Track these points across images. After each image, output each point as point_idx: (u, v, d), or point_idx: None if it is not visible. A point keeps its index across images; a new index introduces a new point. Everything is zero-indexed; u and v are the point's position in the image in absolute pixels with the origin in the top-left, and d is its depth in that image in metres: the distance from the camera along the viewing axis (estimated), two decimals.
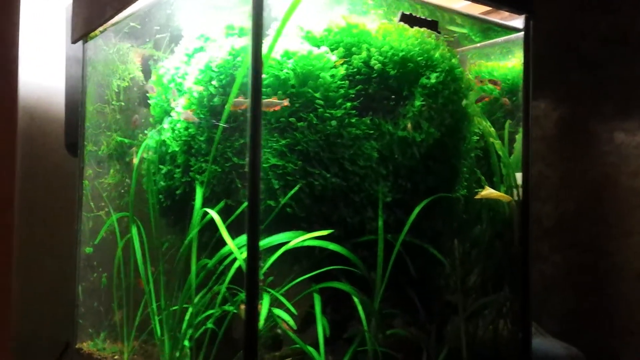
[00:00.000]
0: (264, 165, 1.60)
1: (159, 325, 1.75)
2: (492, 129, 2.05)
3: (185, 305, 1.64)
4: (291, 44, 1.68)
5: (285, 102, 1.57)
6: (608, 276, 2.81)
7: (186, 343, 1.62)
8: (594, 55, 2.87)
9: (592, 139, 2.87)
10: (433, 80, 1.79)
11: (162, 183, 1.77)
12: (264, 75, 1.51)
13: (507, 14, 2.08)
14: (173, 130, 1.73)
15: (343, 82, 1.70)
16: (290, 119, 1.61)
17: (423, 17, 1.78)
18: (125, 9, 1.87)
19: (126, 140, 1.99)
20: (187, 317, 1.66)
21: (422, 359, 1.77)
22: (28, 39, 2.51)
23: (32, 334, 2.48)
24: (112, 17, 1.96)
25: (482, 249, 2.01)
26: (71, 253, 2.20)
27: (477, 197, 1.90)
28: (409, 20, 1.74)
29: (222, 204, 1.57)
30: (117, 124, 2.03)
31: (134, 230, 1.85)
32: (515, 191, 2.03)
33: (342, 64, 1.72)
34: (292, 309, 1.52)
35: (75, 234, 2.19)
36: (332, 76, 1.68)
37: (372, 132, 1.70)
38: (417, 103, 1.77)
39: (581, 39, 2.85)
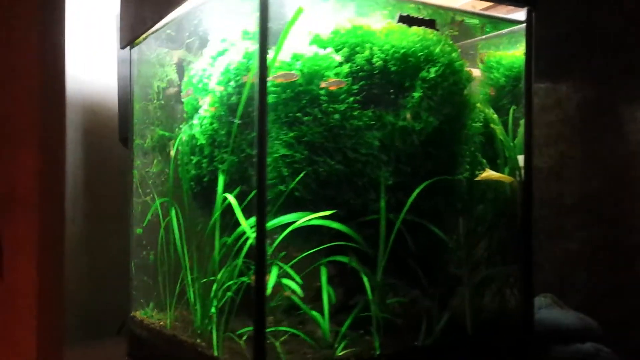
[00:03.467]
0: (275, 155, 1.84)
1: (193, 295, 2.03)
2: (495, 115, 2.21)
3: (212, 278, 1.90)
4: (301, 47, 1.91)
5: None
6: (636, 253, 2.90)
7: (213, 310, 1.89)
8: (620, 35, 2.94)
9: (618, 119, 2.96)
10: (432, 74, 1.98)
11: (192, 172, 2.03)
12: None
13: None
14: (201, 125, 1.98)
15: (347, 79, 1.91)
16: (297, 114, 1.84)
17: (421, 17, 1.96)
18: (162, 19, 2.13)
19: (166, 134, 2.27)
20: (214, 288, 1.92)
21: (421, 325, 1.97)
22: (87, 44, 2.84)
23: (99, 306, 2.82)
24: (151, 26, 2.23)
25: (484, 225, 2.18)
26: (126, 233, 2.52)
27: (477, 179, 2.08)
28: (407, 20, 1.92)
29: (238, 189, 1.81)
30: (159, 120, 2.31)
31: (173, 213, 2.13)
32: (518, 172, 2.19)
33: (346, 62, 1.93)
34: (298, 278, 1.76)
35: (128, 216, 2.50)
36: (337, 74, 1.89)
37: (373, 122, 1.91)
38: (417, 95, 1.96)
39: (606, 18, 2.92)
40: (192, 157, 2.04)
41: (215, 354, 1.82)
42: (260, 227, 1.63)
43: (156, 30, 2.30)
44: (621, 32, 2.92)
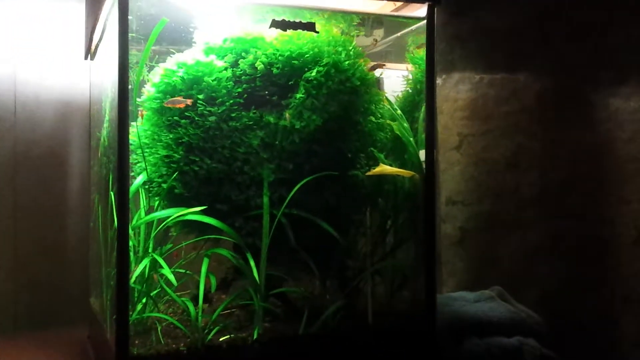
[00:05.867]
0: (157, 155, 2.01)
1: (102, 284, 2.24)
2: (399, 111, 2.26)
3: (108, 269, 2.10)
4: (191, 55, 2.06)
5: (189, 102, 1.97)
6: (604, 244, 2.83)
7: (108, 296, 2.08)
8: (587, 22, 2.85)
9: (583, 107, 2.88)
10: (314, 74, 2.06)
11: (104, 171, 2.23)
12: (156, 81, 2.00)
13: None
14: (105, 128, 2.19)
15: (228, 83, 2.04)
16: (175, 117, 1.99)
17: (297, 21, 2.04)
18: (94, 29, 2.35)
19: (99, 134, 2.48)
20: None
21: (304, 314, 2.06)
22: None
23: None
24: (91, 36, 2.46)
25: (384, 219, 2.24)
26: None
27: (369, 173, 2.14)
28: (281, 25, 2.02)
29: (115, 187, 1.99)
30: (98, 123, 2.53)
31: (100, 209, 2.35)
32: (419, 167, 2.22)
33: (230, 67, 2.06)
34: (167, 268, 1.91)
35: (90, 212, 2.76)
36: (218, 79, 2.03)
37: (251, 123, 2.03)
38: (298, 95, 2.06)
39: (570, 5, 2.85)
40: (103, 158, 2.24)
41: (108, 336, 2.02)
42: (122, 222, 1.79)
43: (99, 41, 2.52)
44: (582, 19, 2.84)
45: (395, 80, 2.52)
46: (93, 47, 2.62)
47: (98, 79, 2.61)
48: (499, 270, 2.89)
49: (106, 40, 2.26)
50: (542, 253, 2.85)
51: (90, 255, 2.75)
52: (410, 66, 2.46)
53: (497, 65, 2.92)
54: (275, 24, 2.02)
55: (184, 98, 1.99)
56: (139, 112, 2.11)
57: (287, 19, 2.04)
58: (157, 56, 2.20)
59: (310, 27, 2.06)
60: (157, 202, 2.05)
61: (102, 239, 2.26)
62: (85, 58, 2.80)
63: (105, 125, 2.18)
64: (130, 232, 2.00)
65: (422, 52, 2.44)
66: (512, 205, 2.89)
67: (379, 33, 2.52)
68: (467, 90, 2.95)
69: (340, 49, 2.14)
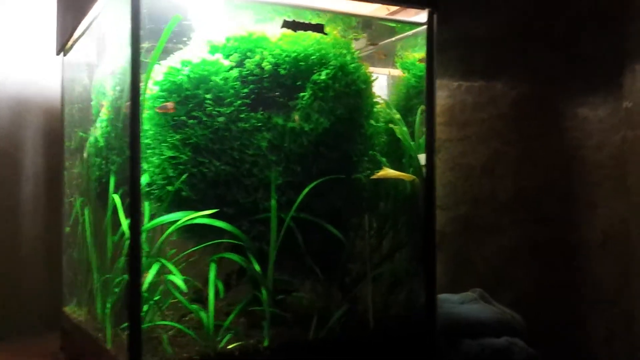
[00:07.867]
0: (162, 157, 1.93)
1: (95, 291, 2.12)
2: (398, 115, 2.26)
3: (107, 275, 2.00)
4: (195, 53, 1.99)
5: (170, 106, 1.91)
6: (574, 247, 2.92)
7: (108, 304, 1.98)
8: (560, 34, 2.95)
9: (556, 116, 2.97)
10: (323, 77, 2.04)
11: (96, 173, 2.13)
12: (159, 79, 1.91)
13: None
14: (100, 128, 2.08)
15: (235, 83, 1.98)
16: (182, 117, 1.92)
17: (307, 22, 2.02)
18: (78, 24, 2.23)
19: (84, 135, 2.37)
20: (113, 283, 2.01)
21: (313, 319, 2.03)
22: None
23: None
24: (72, 32, 2.34)
25: (386, 222, 2.24)
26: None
27: (373, 177, 2.13)
28: (292, 26, 1.99)
29: (121, 190, 1.90)
30: (80, 122, 2.41)
31: (86, 213, 2.23)
32: (419, 170, 2.23)
33: (236, 67, 2.00)
34: (178, 274, 1.84)
35: (61, 216, 2.62)
36: (226, 79, 1.97)
37: (260, 124, 1.98)
38: (307, 97, 2.03)
39: (547, 18, 2.94)
40: (96, 159, 2.14)
41: (109, 347, 1.92)
42: (134, 226, 1.71)
43: (79, 37, 2.40)
44: (562, 30, 2.94)
45: (383, 85, 2.54)
46: (70, 43, 2.50)
47: (75, 76, 2.50)
48: (476, 273, 2.95)
49: (100, 38, 2.16)
50: (516, 256, 2.92)
51: (65, 262, 2.60)
52: (394, 71, 2.48)
53: (476, 73, 2.99)
54: (286, 24, 1.98)
55: (190, 96, 1.92)
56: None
57: (295, 20, 2.01)
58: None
59: (319, 28, 2.04)
60: (158, 206, 1.97)
61: (91, 244, 2.15)
62: (58, 54, 2.67)
63: (101, 125, 2.08)
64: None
65: (411, 57, 2.47)
66: (488, 209, 2.95)
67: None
68: (445, 96, 3.00)
69: (345, 51, 2.12)
